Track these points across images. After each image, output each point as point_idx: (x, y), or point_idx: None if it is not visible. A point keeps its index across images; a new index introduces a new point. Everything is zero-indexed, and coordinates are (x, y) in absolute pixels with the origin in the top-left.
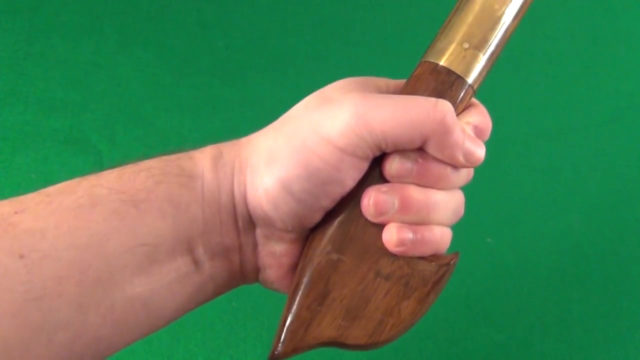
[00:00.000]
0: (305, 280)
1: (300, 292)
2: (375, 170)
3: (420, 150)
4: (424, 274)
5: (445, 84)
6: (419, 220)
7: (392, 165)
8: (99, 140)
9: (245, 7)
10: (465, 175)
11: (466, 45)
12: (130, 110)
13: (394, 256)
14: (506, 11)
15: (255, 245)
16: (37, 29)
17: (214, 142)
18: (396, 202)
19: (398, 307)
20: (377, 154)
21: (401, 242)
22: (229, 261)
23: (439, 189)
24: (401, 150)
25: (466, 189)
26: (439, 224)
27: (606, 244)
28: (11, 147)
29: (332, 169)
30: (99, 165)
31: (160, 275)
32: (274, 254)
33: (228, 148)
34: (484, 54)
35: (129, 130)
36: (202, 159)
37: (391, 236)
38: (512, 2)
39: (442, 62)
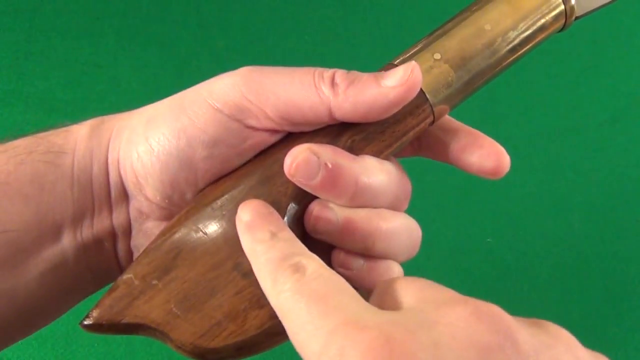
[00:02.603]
0: (153, 246)
1: (142, 259)
2: None
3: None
4: None
5: None
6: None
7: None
8: None
9: (245, 7)
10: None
11: (437, 56)
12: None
13: None
14: (498, 38)
15: (128, 225)
16: (37, 29)
17: None
18: (322, 171)
19: (245, 314)
20: (270, 126)
21: (324, 220)
22: (103, 249)
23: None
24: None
25: (466, 189)
26: (380, 208)
27: (606, 244)
28: None
29: (200, 131)
30: None
31: (26, 267)
32: (146, 234)
33: (113, 116)
34: (456, 73)
35: None
36: (79, 130)
37: (316, 210)
38: (510, 31)
39: None
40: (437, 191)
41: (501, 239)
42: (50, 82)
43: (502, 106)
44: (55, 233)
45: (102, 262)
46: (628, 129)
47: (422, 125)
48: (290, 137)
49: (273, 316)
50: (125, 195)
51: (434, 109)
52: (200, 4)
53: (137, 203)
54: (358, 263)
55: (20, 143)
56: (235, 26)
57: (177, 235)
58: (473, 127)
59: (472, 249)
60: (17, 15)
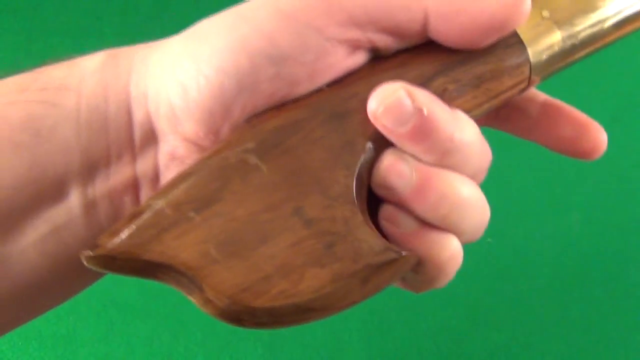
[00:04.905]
0: (194, 169)
1: (178, 184)
2: None
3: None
4: (360, 246)
5: (499, 41)
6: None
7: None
8: None
9: None
10: None
11: (546, 14)
12: None
13: (333, 200)
14: (608, 10)
15: (156, 175)
16: (37, 29)
17: None
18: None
19: (302, 270)
20: (353, 35)
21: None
22: (123, 206)
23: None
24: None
25: None
26: (460, 170)
27: (606, 244)
28: None
29: (267, 42)
30: None
31: (22, 231)
32: None
33: (131, 47)
34: (562, 35)
35: None
36: (88, 59)
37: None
38: (618, 3)
39: None
40: None
41: (501, 239)
42: None
43: None
44: (57, 189)
45: None
46: (628, 129)
47: (516, 89)
48: (370, 69)
49: (335, 278)
50: (153, 137)
51: (532, 72)
52: (200, 4)
53: (169, 145)
54: (409, 222)
55: (13, 80)
56: None
57: (225, 162)
58: None
59: (472, 249)
60: (17, 15)
